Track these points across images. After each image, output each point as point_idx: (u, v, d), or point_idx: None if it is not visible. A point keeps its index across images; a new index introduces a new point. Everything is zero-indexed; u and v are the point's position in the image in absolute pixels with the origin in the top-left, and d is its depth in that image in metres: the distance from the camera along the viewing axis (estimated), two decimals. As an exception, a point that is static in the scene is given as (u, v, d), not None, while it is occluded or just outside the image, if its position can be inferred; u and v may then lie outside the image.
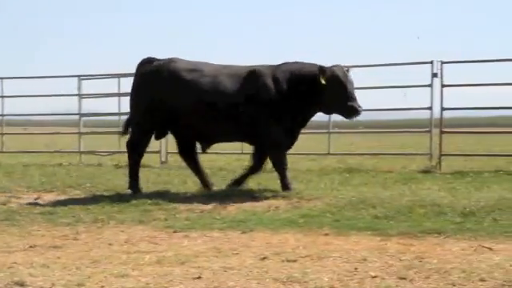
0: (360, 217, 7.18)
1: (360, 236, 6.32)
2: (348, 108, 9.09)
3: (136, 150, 9.68)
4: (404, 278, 4.70)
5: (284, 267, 5.08)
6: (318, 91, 9.07)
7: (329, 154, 14.45)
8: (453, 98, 12.92)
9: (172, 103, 9.36)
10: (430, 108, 13.34)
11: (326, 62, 9.29)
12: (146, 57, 9.93)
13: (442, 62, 13.25)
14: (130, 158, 9.74)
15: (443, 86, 13.25)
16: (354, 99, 9.09)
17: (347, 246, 5.82)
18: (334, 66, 9.23)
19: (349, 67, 9.76)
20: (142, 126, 9.64)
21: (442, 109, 13.34)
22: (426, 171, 12.25)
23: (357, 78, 9.67)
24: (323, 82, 9.03)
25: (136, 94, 9.76)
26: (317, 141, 15.92)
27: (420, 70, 13.83)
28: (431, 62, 13.25)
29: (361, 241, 6.10)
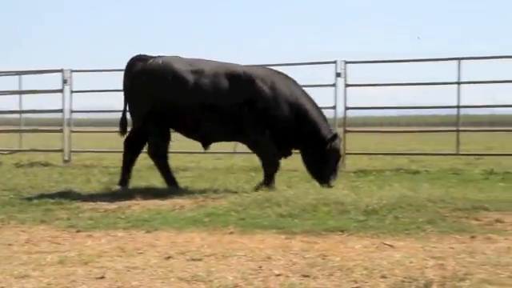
0: (265, 215, 7.21)
1: (265, 234, 6.34)
2: None
3: (131, 148, 9.77)
4: (308, 276, 4.74)
5: (189, 266, 5.05)
6: None
7: (235, 152, 14.48)
8: (356, 97, 13.15)
9: (172, 102, 9.35)
10: (334, 107, 13.53)
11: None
12: (136, 54, 9.85)
13: (346, 62, 13.46)
14: (125, 155, 9.81)
15: (347, 85, 13.47)
16: None
17: (252, 245, 5.83)
18: None
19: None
20: (142, 124, 9.58)
21: (346, 108, 13.56)
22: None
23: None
24: None
25: (135, 93, 9.65)
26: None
27: (325, 69, 14.03)
28: (335, 62, 13.45)
29: (266, 239, 6.12)
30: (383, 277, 4.66)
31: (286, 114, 9.35)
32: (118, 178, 10.00)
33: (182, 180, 10.06)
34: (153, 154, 9.80)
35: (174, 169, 12.41)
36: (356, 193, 8.36)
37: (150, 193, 9.15)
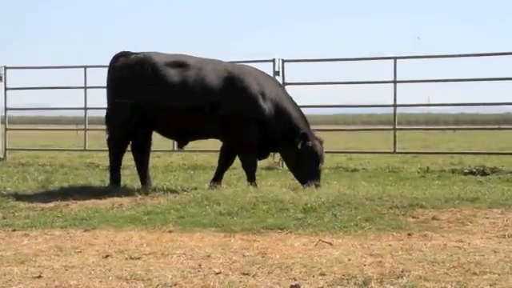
0: (204, 213, 7.19)
1: (204, 233, 6.33)
2: None
3: (117, 147, 9.53)
4: (247, 274, 4.74)
5: (127, 265, 5.01)
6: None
7: (174, 150, 14.42)
8: (295, 95, 13.20)
9: (153, 100, 9.18)
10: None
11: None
12: (120, 51, 9.68)
13: (284, 61, 13.53)
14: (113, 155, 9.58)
15: (285, 84, 13.52)
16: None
17: (191, 243, 5.81)
18: None
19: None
20: (124, 122, 9.37)
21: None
22: (269, 168, 12.46)
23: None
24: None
25: (117, 89, 9.48)
26: (163, 138, 15.84)
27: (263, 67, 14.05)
28: (273, 61, 13.50)
29: (205, 237, 6.11)
30: (322, 274, 4.69)
31: (270, 113, 9.27)
32: (54, 177, 9.85)
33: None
34: (112, 147, 9.59)
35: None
36: (295, 191, 8.40)
37: (88, 191, 9.06)
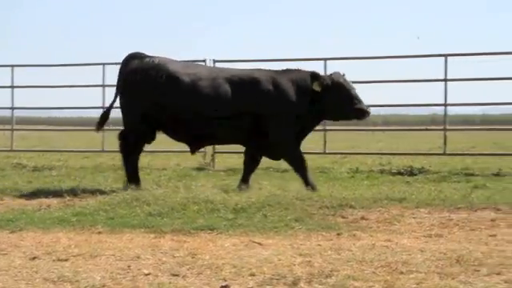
0: (134, 214, 7.13)
1: (134, 234, 6.28)
2: (358, 111, 9.17)
3: (133, 153, 9.36)
4: (177, 275, 4.72)
5: (55, 267, 4.94)
6: (322, 100, 9.11)
7: (103, 151, 14.27)
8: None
9: (169, 105, 9.08)
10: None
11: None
12: (132, 52, 9.53)
13: (215, 61, 13.53)
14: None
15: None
16: (360, 101, 9.20)
17: (121, 244, 5.75)
18: (332, 73, 9.30)
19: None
20: (137, 125, 9.26)
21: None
22: (200, 168, 12.44)
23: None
24: (317, 88, 9.04)
25: (130, 92, 9.31)
26: (91, 138, 15.67)
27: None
28: (204, 61, 13.48)
29: (134, 238, 6.06)
30: (252, 274, 4.70)
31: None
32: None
33: (48, 179, 9.82)
34: (125, 151, 9.42)
35: (40, 167, 12.14)
36: (226, 191, 8.39)
37: (15, 192, 8.89)
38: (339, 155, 15.08)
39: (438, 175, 11.23)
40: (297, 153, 9.33)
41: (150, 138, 9.50)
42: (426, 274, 4.68)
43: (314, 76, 9.16)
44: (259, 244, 5.77)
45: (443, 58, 12.75)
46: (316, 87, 9.08)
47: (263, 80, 9.24)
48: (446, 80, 12.74)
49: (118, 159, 13.91)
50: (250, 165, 9.57)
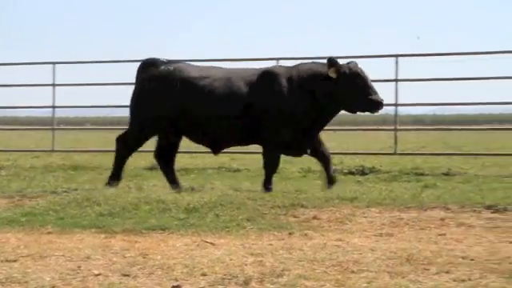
0: (85, 214, 7.06)
1: (84, 234, 6.22)
2: (371, 102, 9.07)
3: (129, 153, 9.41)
4: (128, 275, 4.69)
5: (3, 267, 4.86)
6: (338, 90, 8.99)
7: (53, 150, 14.13)
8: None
9: (186, 111, 9.06)
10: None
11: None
12: (148, 58, 9.46)
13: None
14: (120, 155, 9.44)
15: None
16: (375, 92, 9.11)
17: (71, 245, 5.70)
18: (349, 62, 9.18)
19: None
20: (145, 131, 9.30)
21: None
22: (152, 168, 12.37)
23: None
24: (333, 75, 8.93)
25: (147, 98, 9.26)
26: (41, 137, 15.50)
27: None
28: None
29: (85, 239, 6.01)
30: (203, 274, 4.69)
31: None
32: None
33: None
34: (123, 148, 9.47)
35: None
36: (178, 191, 8.36)
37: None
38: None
39: (388, 175, 11.33)
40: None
41: (173, 143, 9.50)
42: (377, 273, 4.71)
43: (331, 62, 9.05)
44: (211, 244, 5.76)
45: (394, 58, 12.88)
46: (332, 73, 8.98)
47: (279, 78, 9.20)
48: (396, 80, 12.87)
49: (68, 159, 13.81)
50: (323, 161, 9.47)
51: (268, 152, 9.35)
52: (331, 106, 9.16)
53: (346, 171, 11.81)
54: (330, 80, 9.00)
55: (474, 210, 7.40)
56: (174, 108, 9.13)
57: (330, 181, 9.26)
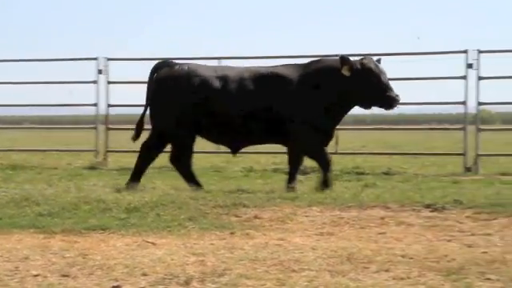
0: (23, 214, 6.95)
1: (23, 234, 6.13)
2: (387, 98, 9.01)
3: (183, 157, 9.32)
4: (67, 276, 4.63)
5: None
6: (352, 87, 8.94)
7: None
8: (119, 95, 13.21)
9: (203, 111, 9.03)
10: (96, 104, 13.41)
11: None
12: (162, 60, 9.49)
13: (108, 59, 13.41)
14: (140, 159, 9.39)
15: (109, 82, 13.41)
16: (391, 89, 9.04)
17: (9, 245, 5.60)
18: (362, 58, 9.10)
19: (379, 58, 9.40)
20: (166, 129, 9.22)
21: (108, 105, 13.48)
22: (92, 167, 12.26)
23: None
24: (346, 73, 8.85)
25: (164, 99, 9.21)
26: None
27: (86, 66, 13.88)
28: (96, 59, 13.35)
29: (23, 239, 5.92)
30: (144, 274, 4.66)
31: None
32: None
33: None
34: (175, 160, 9.41)
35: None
36: (118, 190, 8.30)
37: None
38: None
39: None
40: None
41: (190, 144, 9.43)
42: (318, 272, 4.74)
43: (344, 60, 9.01)
44: (152, 244, 5.73)
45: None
46: (345, 71, 8.95)
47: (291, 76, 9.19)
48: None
49: (6, 158, 13.58)
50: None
51: (298, 152, 9.41)
52: (346, 102, 9.20)
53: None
54: (344, 77, 9.00)
55: (414, 209, 7.49)
56: (194, 108, 9.12)
57: (326, 181, 9.24)
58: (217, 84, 9.15)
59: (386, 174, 11.57)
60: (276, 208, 7.53)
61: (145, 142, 9.49)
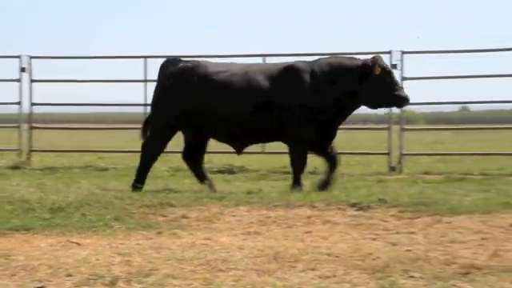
0: None
1: None
2: (397, 98, 8.96)
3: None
4: (-10, 277, 4.54)
5: None
6: (363, 86, 8.87)
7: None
8: (43, 93, 12.99)
9: (207, 108, 8.97)
10: (19, 103, 13.19)
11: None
12: (169, 58, 9.37)
13: (30, 57, 13.22)
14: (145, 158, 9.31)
15: (32, 81, 13.20)
16: (400, 88, 9.02)
17: None
18: (374, 56, 9.01)
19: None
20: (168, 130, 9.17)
21: (32, 104, 13.27)
22: (14, 167, 12.05)
23: None
24: (377, 72, 8.74)
25: (169, 99, 9.12)
26: None
27: (8, 64, 13.66)
28: (19, 57, 13.14)
29: None
30: (69, 275, 4.59)
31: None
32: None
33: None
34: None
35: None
36: (42, 190, 8.17)
37: None
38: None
39: (257, 173, 11.46)
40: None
41: (201, 142, 9.42)
42: (244, 271, 4.75)
43: (375, 61, 8.94)
44: (77, 244, 5.66)
45: (261, 58, 13.02)
46: (377, 72, 8.88)
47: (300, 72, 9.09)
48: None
49: None
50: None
51: (294, 150, 9.27)
52: (353, 101, 9.15)
53: (214, 170, 11.86)
54: (352, 75, 8.98)
55: (339, 208, 7.56)
56: (197, 105, 9.05)
57: (327, 183, 9.19)
58: (221, 81, 9.11)
59: (313, 173, 11.64)
60: (203, 207, 7.51)
61: (145, 141, 9.44)
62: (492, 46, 14.29)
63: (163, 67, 9.42)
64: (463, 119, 32.31)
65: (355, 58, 9.36)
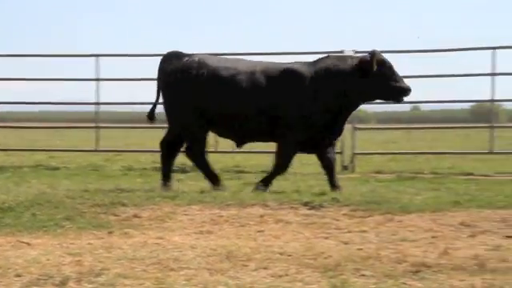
0: None
1: None
2: (399, 89, 8.94)
3: (198, 152, 9.16)
4: None
5: None
6: (365, 82, 8.81)
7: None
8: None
9: (213, 104, 8.88)
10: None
11: None
12: (171, 51, 9.09)
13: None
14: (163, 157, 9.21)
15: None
16: (401, 79, 8.96)
17: None
18: (372, 51, 8.92)
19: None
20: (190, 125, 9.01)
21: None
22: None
23: None
24: (375, 67, 8.70)
25: (173, 94, 9.02)
26: None
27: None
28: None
29: None
30: (18, 275, 4.54)
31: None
32: None
33: None
34: (191, 154, 9.22)
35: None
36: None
37: None
38: (112, 153, 14.94)
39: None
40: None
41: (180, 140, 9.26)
42: (197, 271, 4.73)
43: (373, 55, 8.87)
44: (27, 244, 5.59)
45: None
46: (375, 66, 8.83)
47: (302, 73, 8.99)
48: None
49: None
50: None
51: (283, 153, 9.25)
52: (357, 98, 9.13)
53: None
54: (354, 74, 8.92)
55: (292, 207, 7.58)
56: (204, 100, 8.94)
57: (334, 186, 9.05)
58: (226, 76, 8.97)
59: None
60: (155, 207, 7.48)
61: (163, 139, 9.32)
62: (442, 46, 14.42)
63: (165, 61, 9.22)
64: (414, 118, 32.68)
65: (352, 56, 9.55)
